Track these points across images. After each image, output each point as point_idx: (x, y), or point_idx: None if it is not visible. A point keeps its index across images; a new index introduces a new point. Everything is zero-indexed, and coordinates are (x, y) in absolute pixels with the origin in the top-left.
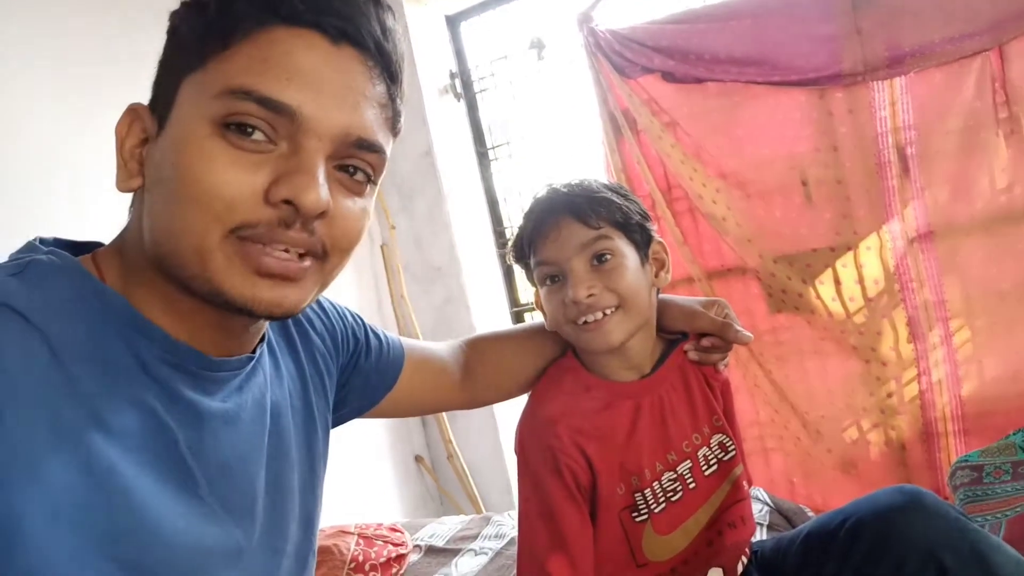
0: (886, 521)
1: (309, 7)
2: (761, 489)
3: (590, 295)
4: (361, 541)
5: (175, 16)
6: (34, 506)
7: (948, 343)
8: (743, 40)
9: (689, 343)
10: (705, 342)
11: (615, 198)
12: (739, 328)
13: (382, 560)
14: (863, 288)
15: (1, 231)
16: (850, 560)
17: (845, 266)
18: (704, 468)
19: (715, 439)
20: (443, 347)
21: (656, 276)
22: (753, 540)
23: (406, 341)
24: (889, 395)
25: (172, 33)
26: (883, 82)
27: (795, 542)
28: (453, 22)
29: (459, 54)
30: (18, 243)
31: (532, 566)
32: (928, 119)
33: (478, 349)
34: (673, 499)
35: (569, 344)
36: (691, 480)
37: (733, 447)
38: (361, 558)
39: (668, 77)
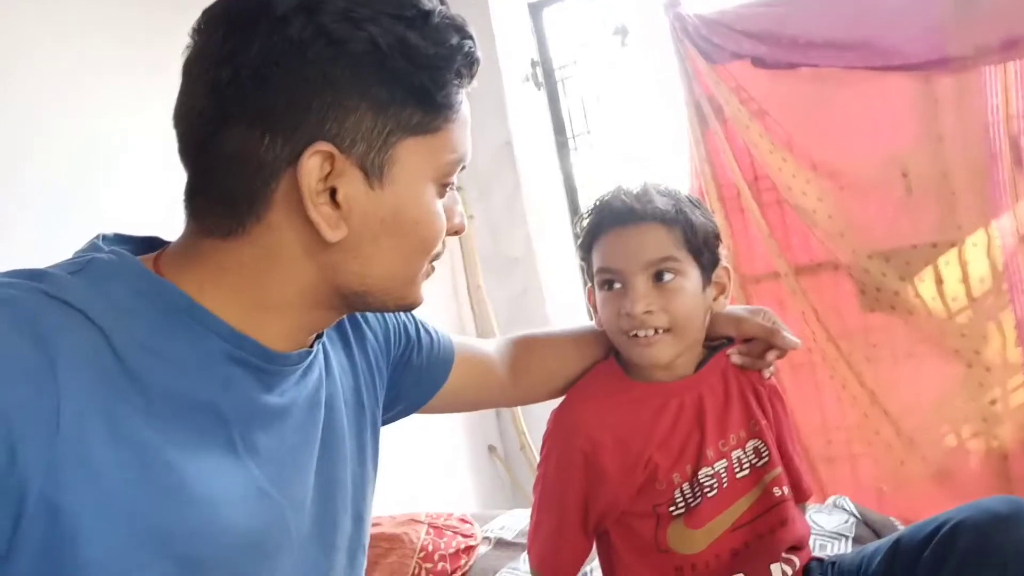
0: (987, 528)
1: (477, 66)
2: (847, 499)
3: (646, 312)
4: (431, 531)
5: (373, 66)
6: (93, 505)
7: None
8: (841, 22)
9: (733, 348)
10: (748, 348)
11: (692, 216)
12: (787, 333)
13: (451, 551)
14: (967, 287)
15: (57, 219)
16: (944, 568)
17: (948, 263)
18: (737, 470)
19: (750, 444)
20: (490, 344)
21: (715, 300)
22: (836, 552)
23: (455, 337)
24: (992, 402)
25: (369, 85)
26: (995, 67)
27: (881, 550)
28: (535, 9)
29: (541, 42)
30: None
31: (529, 549)
32: None
33: (525, 348)
34: (709, 495)
35: (613, 349)
36: (725, 479)
37: (767, 453)
38: (431, 548)
39: (758, 63)
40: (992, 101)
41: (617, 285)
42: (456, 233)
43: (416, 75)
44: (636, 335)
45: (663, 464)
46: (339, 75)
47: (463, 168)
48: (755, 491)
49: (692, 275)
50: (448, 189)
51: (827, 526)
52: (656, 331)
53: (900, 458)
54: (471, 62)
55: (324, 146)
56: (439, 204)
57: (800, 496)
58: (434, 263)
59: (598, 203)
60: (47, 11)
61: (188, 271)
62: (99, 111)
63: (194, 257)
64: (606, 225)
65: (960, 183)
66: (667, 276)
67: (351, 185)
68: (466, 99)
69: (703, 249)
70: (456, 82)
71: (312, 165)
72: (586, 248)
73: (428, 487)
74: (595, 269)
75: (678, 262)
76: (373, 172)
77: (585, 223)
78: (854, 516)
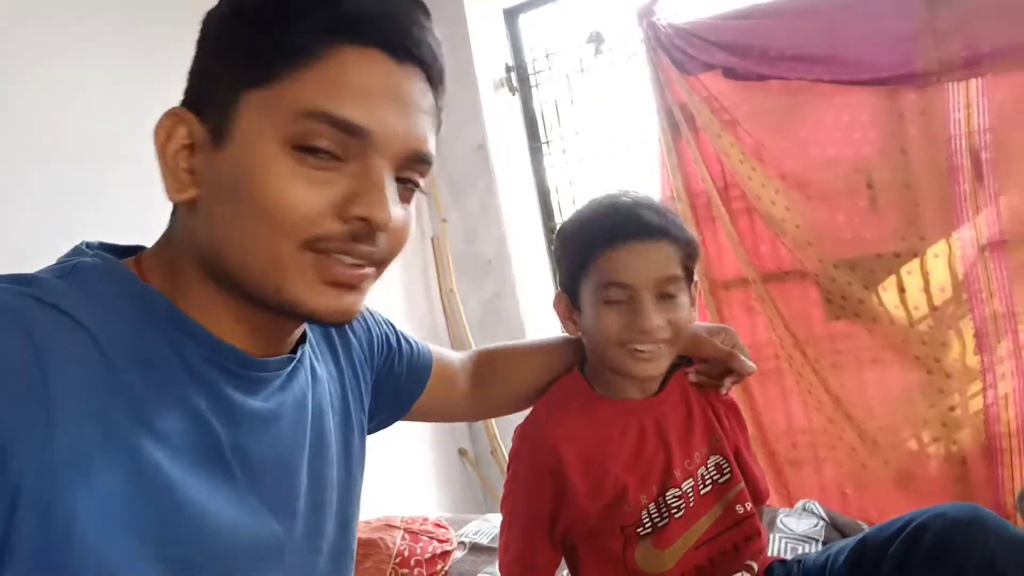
0: (948, 530)
1: (376, 26)
2: (816, 503)
3: (657, 326)
4: (407, 536)
5: (222, 25)
6: (86, 507)
7: (1017, 356)
8: (812, 37)
9: (691, 368)
10: (706, 368)
11: (690, 235)
12: (744, 358)
13: (427, 556)
14: (929, 296)
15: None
16: (907, 564)
17: (910, 273)
18: (701, 488)
19: (712, 460)
20: (455, 356)
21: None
22: (803, 552)
23: (431, 347)
24: (952, 408)
25: (219, 42)
26: (958, 83)
27: (846, 548)
28: (511, 15)
29: (516, 47)
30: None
31: (501, 568)
32: (1006, 123)
33: (488, 361)
34: (676, 516)
35: (576, 361)
36: (692, 499)
37: (729, 469)
38: (407, 553)
39: (730, 74)
40: (954, 116)
41: (623, 299)
42: (372, 225)
43: (229, 22)
44: (638, 349)
45: (632, 484)
46: (203, 40)
47: (339, 127)
48: (718, 508)
49: (685, 291)
50: (313, 153)
51: (797, 529)
52: (658, 345)
53: (863, 461)
54: (336, 9)
55: (176, 108)
56: (299, 172)
57: (758, 498)
58: (343, 256)
59: (603, 211)
60: (49, 20)
61: (164, 273)
62: (99, 115)
63: (169, 258)
64: (620, 237)
65: (923, 195)
66: (671, 292)
67: (201, 146)
68: (337, 57)
69: (692, 265)
70: (306, 30)
71: (159, 128)
72: (584, 257)
73: (399, 490)
74: (600, 281)
75: (680, 280)
76: (216, 130)
77: (586, 232)
78: (823, 520)
